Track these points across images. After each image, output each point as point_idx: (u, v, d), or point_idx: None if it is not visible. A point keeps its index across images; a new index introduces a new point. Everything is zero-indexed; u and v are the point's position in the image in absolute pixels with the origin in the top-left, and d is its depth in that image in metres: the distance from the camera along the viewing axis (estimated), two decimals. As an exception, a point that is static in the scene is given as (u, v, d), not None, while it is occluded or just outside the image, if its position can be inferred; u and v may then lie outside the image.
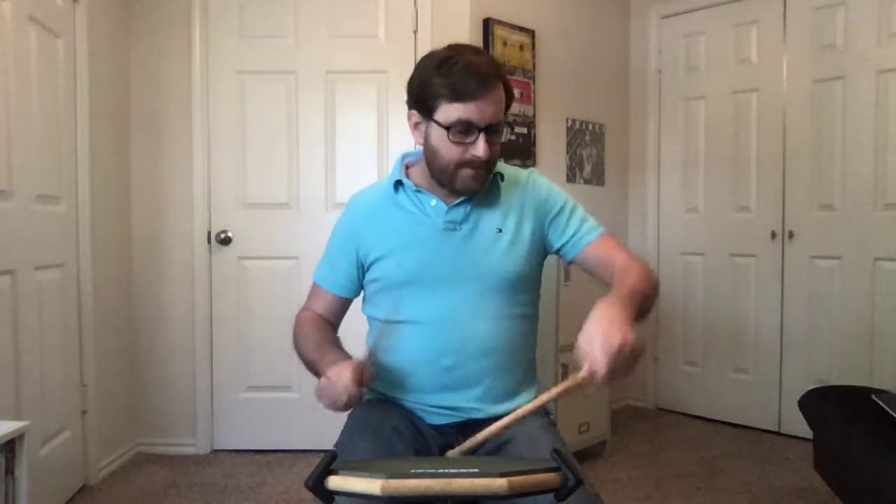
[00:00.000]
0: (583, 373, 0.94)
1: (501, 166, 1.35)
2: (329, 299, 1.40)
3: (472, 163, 1.23)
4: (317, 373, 1.21)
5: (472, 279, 1.28)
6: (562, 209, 1.34)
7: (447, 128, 1.21)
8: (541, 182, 1.37)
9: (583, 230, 1.33)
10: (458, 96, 1.19)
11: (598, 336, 0.94)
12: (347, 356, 1.21)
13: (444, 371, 1.26)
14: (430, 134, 1.25)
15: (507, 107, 1.28)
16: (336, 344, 1.32)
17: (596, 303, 1.03)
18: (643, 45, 3.71)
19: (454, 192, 1.29)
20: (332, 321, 1.40)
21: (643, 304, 1.12)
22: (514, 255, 1.30)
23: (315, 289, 1.43)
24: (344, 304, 1.41)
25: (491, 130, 1.22)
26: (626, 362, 0.93)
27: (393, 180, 1.35)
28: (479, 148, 1.21)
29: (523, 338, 1.34)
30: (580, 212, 1.36)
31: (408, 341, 1.28)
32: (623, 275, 1.20)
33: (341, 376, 1.10)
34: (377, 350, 1.16)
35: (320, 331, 1.35)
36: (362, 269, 1.36)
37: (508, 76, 1.33)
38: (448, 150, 1.23)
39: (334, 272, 1.39)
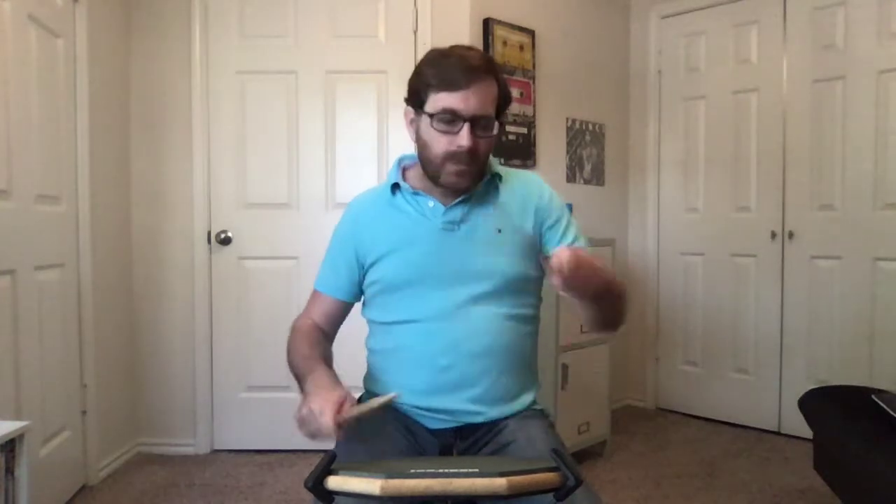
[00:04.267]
0: (554, 259, 1.01)
1: (499, 168, 1.36)
2: (328, 304, 1.39)
3: (456, 155, 1.23)
4: (302, 388, 1.19)
5: (471, 278, 1.27)
6: (559, 219, 1.35)
7: (432, 115, 1.22)
8: (545, 186, 1.39)
9: (576, 244, 1.35)
10: (444, 85, 1.21)
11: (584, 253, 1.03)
12: (333, 375, 1.19)
13: (441, 371, 1.26)
14: (421, 127, 1.27)
15: (502, 106, 1.28)
16: (326, 358, 1.29)
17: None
18: (643, 45, 3.70)
19: (442, 188, 1.29)
20: (328, 328, 1.39)
21: (611, 293, 1.18)
22: (514, 255, 1.30)
23: (314, 295, 1.42)
24: (343, 309, 1.40)
25: (477, 123, 1.22)
26: (588, 271, 1.03)
27: (390, 183, 1.35)
28: (463, 137, 1.21)
29: (524, 339, 1.33)
30: (574, 226, 1.39)
31: (406, 341, 1.28)
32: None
33: (324, 412, 1.04)
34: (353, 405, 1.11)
35: (312, 343, 1.32)
36: (362, 272, 1.36)
37: (508, 76, 1.33)
38: (435, 141, 1.23)
39: (335, 276, 1.39)
